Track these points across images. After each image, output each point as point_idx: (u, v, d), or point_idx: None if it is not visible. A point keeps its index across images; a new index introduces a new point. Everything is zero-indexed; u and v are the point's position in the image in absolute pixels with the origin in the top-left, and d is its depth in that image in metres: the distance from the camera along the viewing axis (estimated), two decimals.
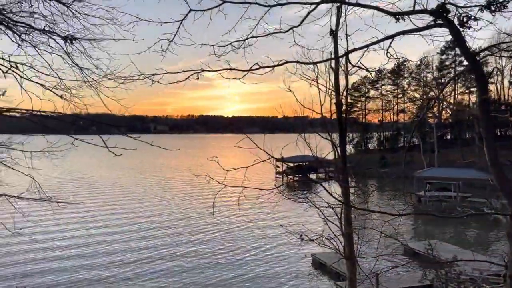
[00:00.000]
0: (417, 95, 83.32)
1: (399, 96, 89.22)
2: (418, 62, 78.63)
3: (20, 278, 22.88)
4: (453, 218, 35.83)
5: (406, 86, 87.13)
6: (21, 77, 7.90)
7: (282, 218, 36.98)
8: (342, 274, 21.06)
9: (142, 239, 30.71)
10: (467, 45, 5.52)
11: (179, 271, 23.97)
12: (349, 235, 9.33)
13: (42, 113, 6.94)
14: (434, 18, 5.37)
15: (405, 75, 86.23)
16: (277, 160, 11.67)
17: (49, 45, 8.49)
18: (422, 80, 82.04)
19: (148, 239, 30.87)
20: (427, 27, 5.46)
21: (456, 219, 35.89)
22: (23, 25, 8.29)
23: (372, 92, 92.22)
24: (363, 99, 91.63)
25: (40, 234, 31.25)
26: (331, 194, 8.01)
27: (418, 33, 5.58)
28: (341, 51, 8.17)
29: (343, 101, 9.43)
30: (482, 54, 6.71)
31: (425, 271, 23.10)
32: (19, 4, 8.34)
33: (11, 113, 7.17)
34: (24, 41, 8.46)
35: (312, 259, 25.47)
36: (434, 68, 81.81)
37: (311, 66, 8.23)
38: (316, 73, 8.64)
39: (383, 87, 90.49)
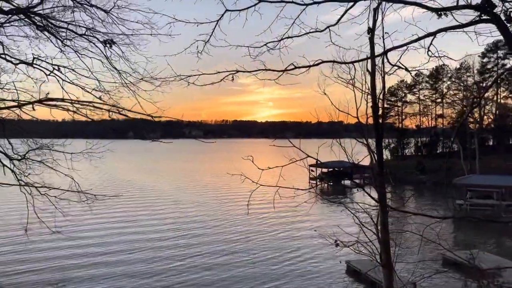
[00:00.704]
0: (456, 99, 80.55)
1: (437, 100, 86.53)
2: (458, 66, 76.14)
3: (60, 281, 23.40)
4: (498, 222, 34.53)
5: (445, 90, 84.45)
6: (62, 80, 8.21)
7: (317, 225, 36.46)
8: (377, 282, 20.53)
9: (178, 247, 30.72)
10: None
11: (214, 281, 23.85)
12: (386, 241, 9.03)
13: (81, 103, 7.18)
14: (479, 13, 5.11)
15: (444, 79, 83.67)
16: (311, 165, 11.51)
17: (89, 50, 8.81)
18: (462, 84, 79.24)
19: (183, 247, 30.81)
20: (471, 23, 5.17)
21: (499, 227, 34.43)
22: (65, 30, 8.61)
23: (409, 97, 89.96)
24: (399, 103, 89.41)
25: (80, 239, 31.95)
26: (369, 195, 7.81)
27: (461, 29, 5.32)
28: (378, 52, 7.94)
29: (380, 104, 9.15)
30: None
31: (466, 281, 22.25)
32: (62, 11, 8.68)
33: (50, 103, 7.43)
34: (66, 46, 8.80)
35: (347, 266, 24.98)
36: (475, 71, 79.00)
37: (347, 68, 8.06)
38: (353, 75, 8.45)
39: (421, 91, 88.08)
